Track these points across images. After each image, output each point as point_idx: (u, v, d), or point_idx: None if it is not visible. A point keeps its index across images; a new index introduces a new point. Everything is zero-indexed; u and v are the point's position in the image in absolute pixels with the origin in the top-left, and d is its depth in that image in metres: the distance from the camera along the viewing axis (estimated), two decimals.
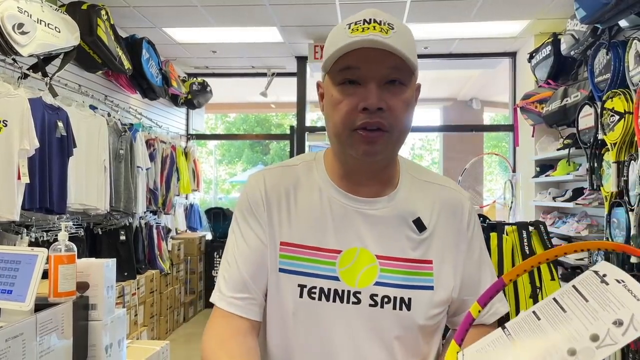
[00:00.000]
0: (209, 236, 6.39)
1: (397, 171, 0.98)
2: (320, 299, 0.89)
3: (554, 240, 3.64)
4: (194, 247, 5.84)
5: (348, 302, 0.89)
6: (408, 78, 0.87)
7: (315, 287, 0.89)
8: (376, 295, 0.89)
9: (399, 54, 0.83)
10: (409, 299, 0.89)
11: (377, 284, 0.89)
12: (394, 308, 0.89)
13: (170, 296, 5.09)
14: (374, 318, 0.89)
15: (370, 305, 0.89)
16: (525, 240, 3.10)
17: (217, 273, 1.00)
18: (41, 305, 1.29)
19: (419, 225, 0.93)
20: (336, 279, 0.90)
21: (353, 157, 0.91)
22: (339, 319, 0.89)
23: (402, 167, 0.99)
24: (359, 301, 0.89)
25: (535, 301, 3.09)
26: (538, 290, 3.10)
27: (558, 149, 4.13)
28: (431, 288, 0.91)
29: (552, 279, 3.12)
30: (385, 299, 0.89)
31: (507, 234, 3.16)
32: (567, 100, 3.82)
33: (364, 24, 0.84)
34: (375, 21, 0.84)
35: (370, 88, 0.84)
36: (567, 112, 3.80)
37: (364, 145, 0.87)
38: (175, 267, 5.29)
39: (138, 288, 4.26)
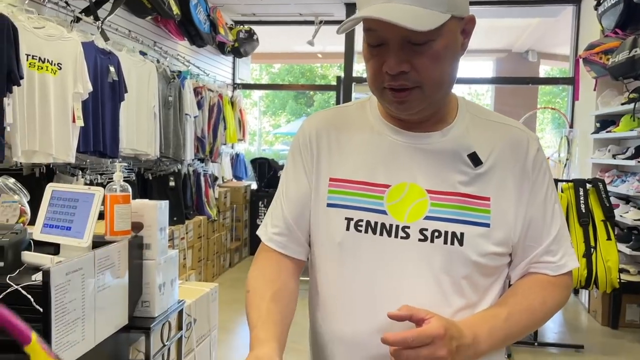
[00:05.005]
0: (254, 186, 6.46)
1: (453, 109, 0.94)
2: (366, 231, 0.89)
3: (612, 200, 3.47)
4: (239, 195, 5.94)
5: (396, 236, 0.88)
6: (434, 32, 0.80)
7: (362, 220, 0.89)
8: (426, 229, 0.87)
9: (408, 27, 0.76)
10: (462, 234, 0.87)
11: (428, 218, 0.88)
12: (445, 243, 0.87)
13: (217, 242, 5.23)
14: (423, 253, 0.87)
15: (420, 240, 0.87)
16: (582, 197, 2.97)
17: (261, 222, 1.06)
18: (98, 242, 1.32)
19: (475, 159, 0.90)
20: (384, 212, 0.89)
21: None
22: (386, 252, 0.88)
23: (460, 105, 0.95)
24: (407, 236, 0.88)
25: (589, 261, 2.98)
26: (592, 249, 2.99)
27: (622, 104, 3.91)
28: (487, 225, 0.88)
29: (609, 238, 3.00)
30: (436, 233, 0.87)
31: (562, 191, 3.04)
32: (636, 51, 3.57)
33: None
34: None
35: (390, 50, 0.82)
36: (636, 63, 3.55)
37: (395, 104, 0.87)
38: (221, 215, 5.41)
39: (187, 233, 4.39)
